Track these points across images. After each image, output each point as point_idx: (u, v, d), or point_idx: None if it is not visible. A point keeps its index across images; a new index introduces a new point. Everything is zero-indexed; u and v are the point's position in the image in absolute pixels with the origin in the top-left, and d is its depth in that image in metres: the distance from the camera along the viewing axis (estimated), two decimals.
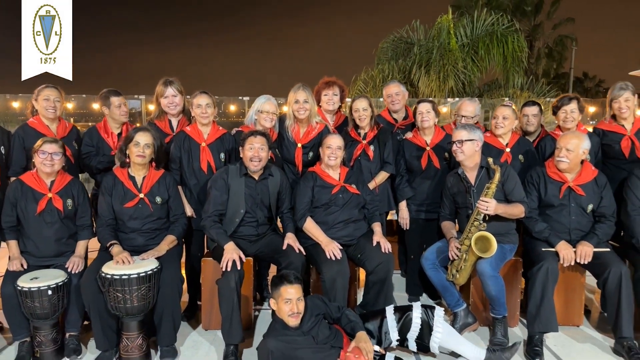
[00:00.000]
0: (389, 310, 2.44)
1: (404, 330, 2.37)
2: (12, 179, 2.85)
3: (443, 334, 2.36)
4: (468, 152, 2.77)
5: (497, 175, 2.67)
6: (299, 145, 3.16)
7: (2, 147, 2.88)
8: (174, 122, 3.16)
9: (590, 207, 2.81)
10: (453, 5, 21.33)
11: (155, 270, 2.47)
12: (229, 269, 2.52)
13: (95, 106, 9.60)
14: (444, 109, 8.64)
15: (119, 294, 2.36)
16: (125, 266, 2.44)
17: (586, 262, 2.71)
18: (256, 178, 2.81)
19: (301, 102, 3.10)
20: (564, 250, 2.72)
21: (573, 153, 2.74)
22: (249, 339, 2.79)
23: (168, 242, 2.71)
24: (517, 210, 2.73)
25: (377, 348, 2.31)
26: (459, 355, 2.45)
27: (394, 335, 2.37)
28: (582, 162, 2.83)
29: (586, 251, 2.69)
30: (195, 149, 2.97)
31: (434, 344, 2.35)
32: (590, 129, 3.29)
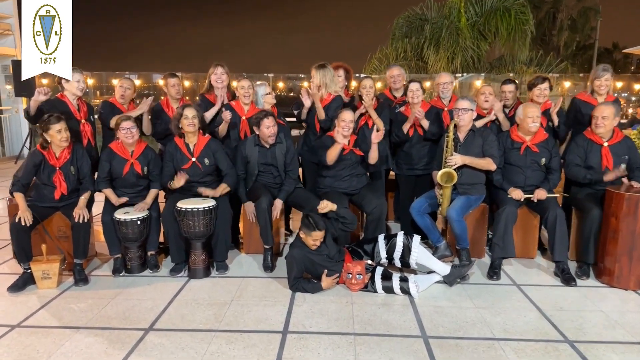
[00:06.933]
0: (380, 237, 3.33)
1: (390, 251, 3.24)
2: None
3: (419, 254, 3.22)
4: (468, 120, 3.60)
5: (450, 134, 3.57)
6: None
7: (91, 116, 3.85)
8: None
9: (543, 160, 3.62)
10: None
11: (214, 206, 3.41)
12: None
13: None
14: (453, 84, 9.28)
15: (189, 222, 3.31)
16: (194, 202, 3.39)
17: (543, 199, 3.49)
18: (267, 146, 3.69)
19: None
20: (513, 191, 3.57)
21: (539, 119, 3.56)
22: (280, 257, 3.79)
23: (221, 188, 3.56)
24: (483, 162, 3.55)
25: (369, 262, 3.24)
26: (432, 271, 3.34)
27: (382, 254, 3.26)
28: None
29: (540, 194, 3.51)
30: (237, 120, 3.84)
31: (412, 261, 3.22)
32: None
